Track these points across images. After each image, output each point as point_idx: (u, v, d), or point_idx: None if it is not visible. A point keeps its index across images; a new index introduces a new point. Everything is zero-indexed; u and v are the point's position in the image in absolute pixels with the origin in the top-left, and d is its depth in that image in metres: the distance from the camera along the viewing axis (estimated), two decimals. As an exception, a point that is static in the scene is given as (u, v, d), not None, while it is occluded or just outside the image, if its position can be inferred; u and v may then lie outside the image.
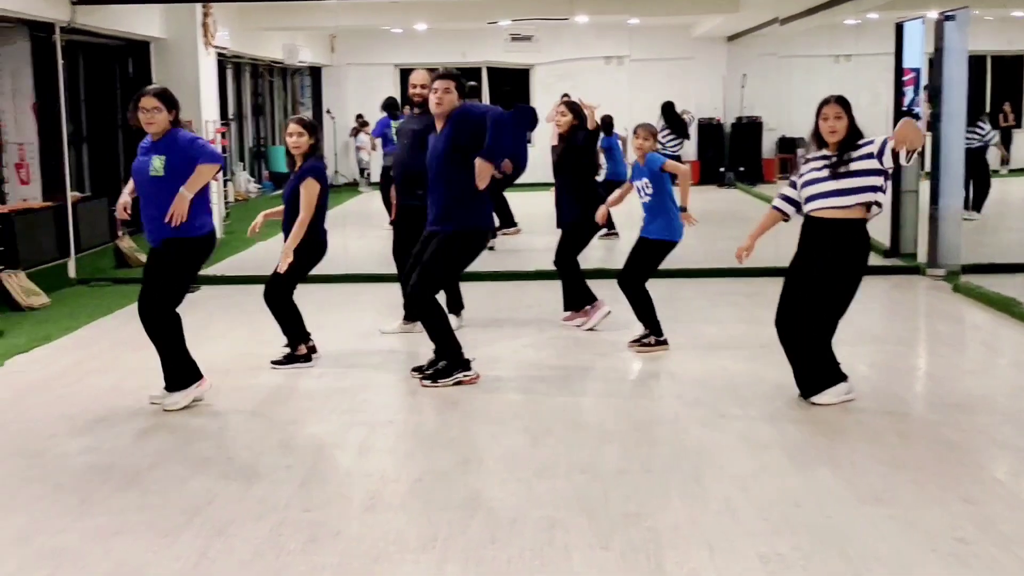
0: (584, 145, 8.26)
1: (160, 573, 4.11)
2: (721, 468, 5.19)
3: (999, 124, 17.81)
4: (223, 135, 14.41)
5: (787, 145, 20.59)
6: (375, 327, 8.40)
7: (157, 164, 6.06)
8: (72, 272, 10.90)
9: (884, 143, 5.75)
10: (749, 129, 21.04)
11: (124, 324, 8.60)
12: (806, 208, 6.04)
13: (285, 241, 7.02)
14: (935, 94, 10.53)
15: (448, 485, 5.01)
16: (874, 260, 10.53)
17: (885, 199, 5.90)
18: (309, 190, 6.96)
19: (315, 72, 22.30)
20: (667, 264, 7.76)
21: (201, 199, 6.15)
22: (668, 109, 17.99)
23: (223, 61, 17.15)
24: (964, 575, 4.00)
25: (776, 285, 9.82)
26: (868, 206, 5.86)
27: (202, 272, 11.12)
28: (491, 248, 11.47)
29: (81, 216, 11.24)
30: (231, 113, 19.02)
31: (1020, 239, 12.89)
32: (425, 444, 5.66)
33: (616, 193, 7.97)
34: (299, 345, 7.16)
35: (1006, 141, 17.35)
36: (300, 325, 7.20)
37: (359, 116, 20.92)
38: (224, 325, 8.78)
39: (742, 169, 20.83)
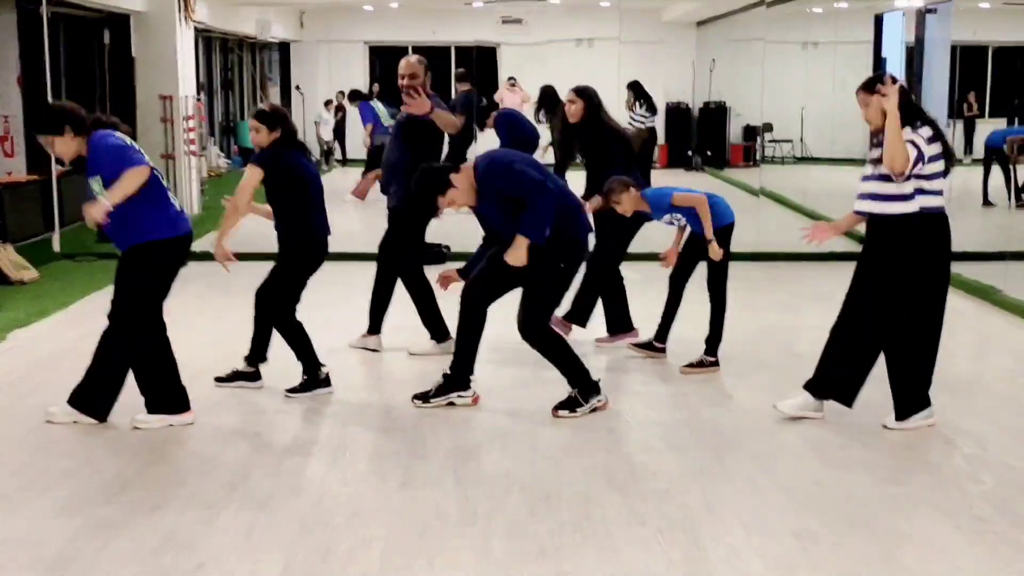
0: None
1: (212, 547, 4.20)
2: (740, 448, 5.36)
3: (964, 114, 18.18)
4: (201, 110, 14.36)
5: (750, 133, 20.84)
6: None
7: (96, 188, 5.31)
8: (57, 246, 10.85)
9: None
10: (716, 114, 21.26)
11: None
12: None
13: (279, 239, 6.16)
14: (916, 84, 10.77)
15: (478, 462, 5.14)
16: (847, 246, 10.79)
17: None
18: (246, 173, 5.94)
19: (284, 48, 22.23)
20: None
21: (154, 197, 5.41)
22: (637, 86, 18.29)
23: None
24: (984, 551, 4.20)
25: (757, 269, 9.93)
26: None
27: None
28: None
29: (64, 190, 11.17)
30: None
31: (988, 227, 13.17)
32: (448, 422, 5.76)
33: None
34: (316, 369, 6.21)
35: (970, 131, 17.71)
36: (309, 347, 6.26)
37: (340, 94, 20.75)
38: (222, 303, 8.75)
39: (709, 153, 21.07)
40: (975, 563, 4.11)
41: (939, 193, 5.40)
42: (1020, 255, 10.11)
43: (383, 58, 22.91)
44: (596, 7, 20.41)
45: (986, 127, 16.25)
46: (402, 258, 7.10)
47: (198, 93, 16.58)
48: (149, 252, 5.47)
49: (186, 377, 5.73)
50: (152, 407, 5.60)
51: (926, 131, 5.31)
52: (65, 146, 5.35)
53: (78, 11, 11.88)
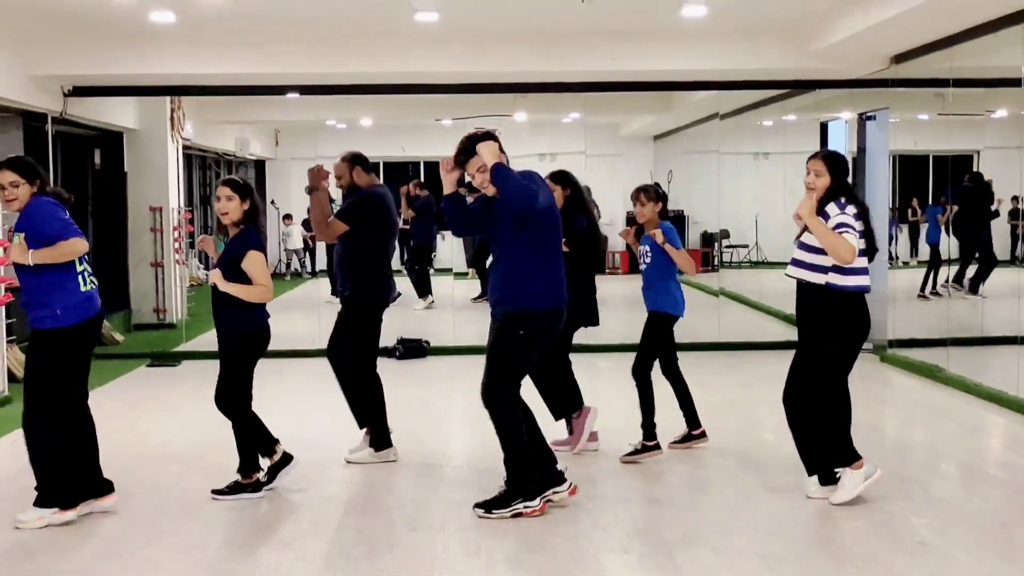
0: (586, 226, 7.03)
1: None
2: (710, 497, 6.00)
3: (908, 219, 19.20)
4: (190, 220, 15.08)
5: (708, 240, 21.73)
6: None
7: (15, 241, 5.40)
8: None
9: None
10: (675, 222, 21.82)
11: (124, 391, 9.22)
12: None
13: (218, 334, 6.05)
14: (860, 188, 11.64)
15: (475, 513, 5.73)
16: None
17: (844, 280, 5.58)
18: (254, 261, 5.86)
19: (259, 165, 23.07)
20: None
21: (68, 280, 5.47)
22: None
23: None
24: (925, 565, 4.83)
25: (718, 357, 10.56)
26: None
27: (182, 348, 11.71)
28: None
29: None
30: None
31: (936, 316, 13.94)
32: (444, 482, 6.34)
33: None
34: (252, 473, 6.02)
35: (914, 234, 18.70)
36: (263, 437, 6.07)
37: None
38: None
39: (669, 260, 21.83)
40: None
41: (862, 272, 5.65)
42: (959, 340, 10.87)
43: (354, 174, 23.78)
44: (558, 124, 21.44)
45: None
46: (351, 353, 6.72)
47: (189, 204, 17.32)
48: (59, 338, 5.48)
49: (203, 452, 6.26)
50: (42, 501, 5.49)
51: (851, 209, 5.57)
52: (26, 194, 5.41)
53: (75, 129, 12.59)
